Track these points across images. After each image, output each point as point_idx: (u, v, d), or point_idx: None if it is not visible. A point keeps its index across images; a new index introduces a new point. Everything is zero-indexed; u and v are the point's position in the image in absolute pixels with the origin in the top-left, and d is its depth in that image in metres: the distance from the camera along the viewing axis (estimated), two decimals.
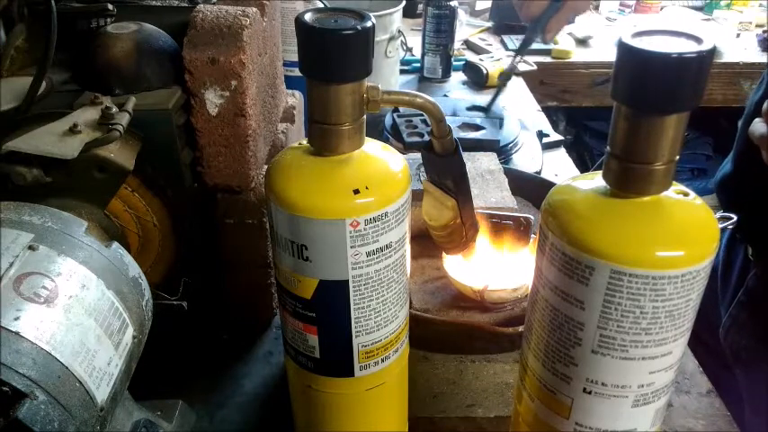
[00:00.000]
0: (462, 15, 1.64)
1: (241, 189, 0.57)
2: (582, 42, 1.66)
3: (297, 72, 0.38)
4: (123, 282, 0.43)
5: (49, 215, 0.42)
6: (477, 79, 1.31)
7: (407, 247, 0.42)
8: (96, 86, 0.52)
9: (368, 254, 0.39)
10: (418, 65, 1.36)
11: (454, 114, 1.04)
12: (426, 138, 0.46)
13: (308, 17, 0.36)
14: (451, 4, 1.26)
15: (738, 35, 1.76)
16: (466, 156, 0.47)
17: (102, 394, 0.38)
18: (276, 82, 0.67)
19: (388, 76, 1.19)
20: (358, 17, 0.37)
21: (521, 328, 0.57)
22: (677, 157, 0.34)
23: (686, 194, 0.35)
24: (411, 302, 0.61)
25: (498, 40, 1.62)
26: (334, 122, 0.38)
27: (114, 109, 0.47)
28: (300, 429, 0.51)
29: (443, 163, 0.46)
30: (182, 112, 0.53)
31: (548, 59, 1.56)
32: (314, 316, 0.41)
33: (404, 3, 1.17)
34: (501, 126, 1.01)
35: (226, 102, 0.53)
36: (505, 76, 1.10)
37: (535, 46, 1.57)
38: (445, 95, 1.11)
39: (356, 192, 0.37)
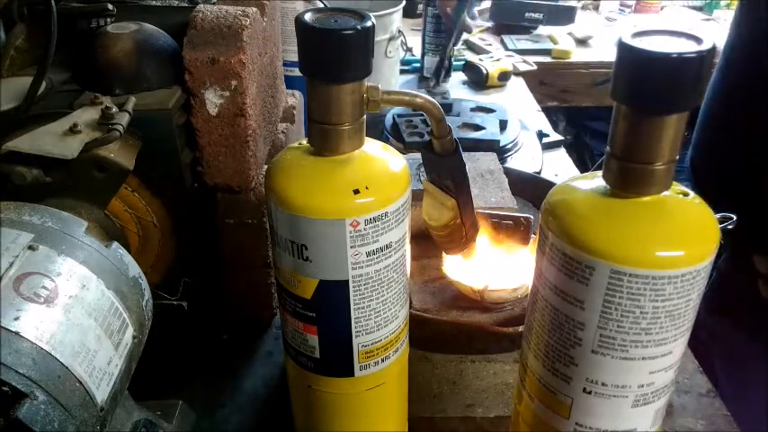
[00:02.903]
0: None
1: (241, 189, 0.57)
2: (582, 42, 1.66)
3: (297, 72, 0.38)
4: (123, 282, 0.43)
5: (48, 215, 0.42)
6: (477, 79, 1.31)
7: (407, 247, 0.42)
8: (96, 86, 0.52)
9: (368, 254, 0.39)
10: (418, 65, 1.36)
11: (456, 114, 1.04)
12: (426, 138, 0.46)
13: (308, 17, 0.36)
14: None
15: None
16: (466, 156, 0.47)
17: (102, 394, 0.38)
18: (276, 82, 0.67)
19: (388, 76, 1.19)
20: (358, 17, 0.37)
21: (521, 328, 0.57)
22: (677, 157, 0.34)
23: (686, 194, 0.36)
24: (411, 302, 0.61)
25: (498, 40, 1.62)
26: (335, 122, 0.38)
27: (114, 109, 0.47)
28: (300, 429, 0.51)
29: (443, 163, 0.46)
30: (182, 112, 0.53)
31: (548, 59, 1.56)
32: (314, 316, 0.41)
33: (404, 3, 1.17)
34: (505, 128, 1.01)
35: (226, 102, 0.53)
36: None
37: (535, 46, 1.58)
38: (444, 96, 1.11)
39: (356, 192, 0.37)
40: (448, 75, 1.32)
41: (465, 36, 1.57)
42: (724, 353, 0.88)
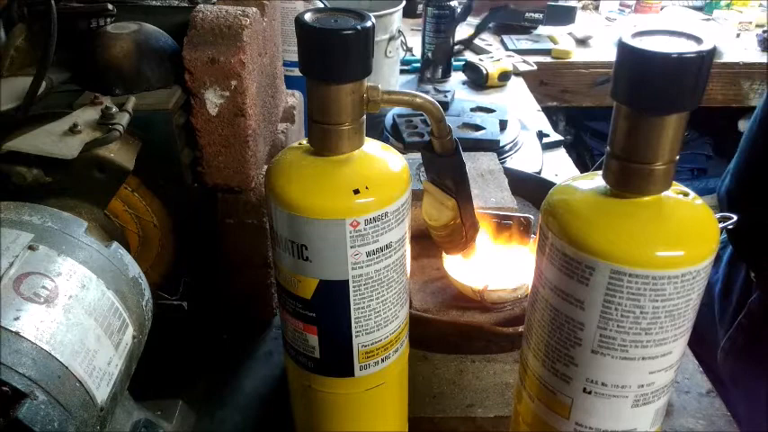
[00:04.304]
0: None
1: (241, 189, 0.57)
2: (582, 42, 1.66)
3: (297, 72, 0.38)
4: (123, 282, 0.43)
5: (48, 215, 0.42)
6: (477, 79, 1.31)
7: (407, 247, 0.42)
8: (96, 86, 0.52)
9: (368, 254, 0.39)
10: (418, 65, 1.36)
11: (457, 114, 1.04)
12: (426, 138, 0.46)
13: (308, 17, 0.36)
14: (451, 3, 1.26)
15: (738, 35, 1.76)
16: (466, 156, 0.47)
17: (102, 394, 0.38)
18: (276, 82, 0.67)
19: (388, 76, 1.19)
20: (358, 17, 0.37)
21: (521, 328, 0.57)
22: (677, 157, 0.34)
23: (686, 194, 0.36)
24: (411, 302, 0.61)
25: (498, 40, 1.62)
26: (335, 122, 0.38)
27: (114, 109, 0.47)
28: (300, 429, 0.51)
29: (443, 163, 0.46)
30: (182, 112, 0.53)
31: (548, 59, 1.56)
32: (314, 316, 0.41)
33: (404, 3, 1.17)
34: (505, 128, 1.01)
35: (226, 102, 0.53)
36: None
37: (535, 46, 1.58)
38: (445, 95, 1.11)
39: (356, 192, 0.37)
40: (448, 74, 1.32)
41: (465, 36, 1.57)
42: (749, 398, 0.81)
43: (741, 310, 0.82)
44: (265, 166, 0.58)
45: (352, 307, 0.41)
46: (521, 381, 0.43)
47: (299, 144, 0.41)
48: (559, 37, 1.63)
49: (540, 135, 1.06)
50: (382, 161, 0.40)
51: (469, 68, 1.33)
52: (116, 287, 0.42)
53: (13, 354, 0.33)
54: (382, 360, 0.44)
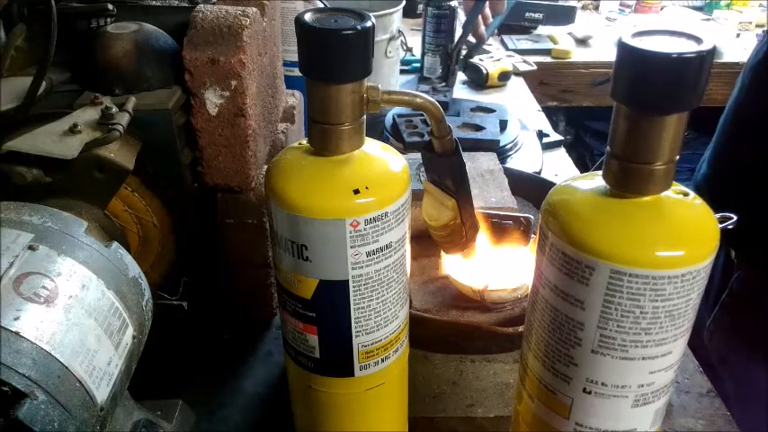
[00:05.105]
0: (462, 15, 1.64)
1: (241, 189, 0.57)
2: (582, 42, 1.66)
3: (297, 72, 0.38)
4: (123, 282, 0.43)
5: (48, 215, 0.42)
6: (477, 79, 1.31)
7: (407, 247, 0.42)
8: (96, 86, 0.52)
9: (368, 254, 0.39)
10: (418, 65, 1.36)
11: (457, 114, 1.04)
12: (426, 138, 0.46)
13: (308, 17, 0.36)
14: (451, 3, 1.26)
15: (738, 35, 1.77)
16: (466, 156, 0.47)
17: (102, 394, 0.38)
18: (276, 82, 0.67)
19: (388, 76, 1.19)
20: (358, 17, 0.37)
21: (521, 328, 0.57)
22: (677, 157, 0.34)
23: (686, 194, 0.36)
24: (411, 302, 0.61)
25: (498, 40, 1.62)
26: (335, 122, 0.38)
27: (114, 109, 0.47)
28: (300, 429, 0.51)
29: (443, 163, 0.46)
30: (182, 112, 0.53)
31: (548, 59, 1.56)
32: (314, 316, 0.41)
33: (404, 3, 1.17)
34: (505, 128, 1.01)
35: (226, 102, 0.53)
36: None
37: (535, 46, 1.58)
38: (445, 94, 1.11)
39: (356, 192, 0.37)
40: (453, 74, 1.32)
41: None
42: (737, 376, 0.84)
43: (724, 289, 0.83)
44: (265, 166, 0.58)
45: (352, 307, 0.41)
46: (521, 381, 0.43)
47: (299, 144, 0.41)
48: (559, 37, 1.63)
49: (540, 135, 1.06)
50: (382, 161, 0.40)
51: (469, 68, 1.33)
52: (116, 287, 0.42)
53: (13, 354, 0.33)
54: (382, 360, 0.44)
